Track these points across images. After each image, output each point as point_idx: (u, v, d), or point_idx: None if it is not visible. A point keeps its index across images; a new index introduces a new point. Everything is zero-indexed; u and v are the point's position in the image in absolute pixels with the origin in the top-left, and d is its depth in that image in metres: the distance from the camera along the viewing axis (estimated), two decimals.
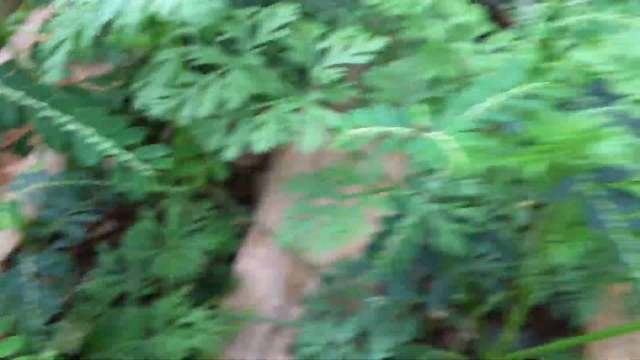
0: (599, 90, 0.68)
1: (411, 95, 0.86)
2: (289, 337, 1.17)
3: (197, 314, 0.97)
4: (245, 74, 0.74)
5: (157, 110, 0.74)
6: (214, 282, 1.28)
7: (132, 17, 0.67)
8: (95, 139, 0.72)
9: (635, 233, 0.61)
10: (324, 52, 0.80)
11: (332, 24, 1.06)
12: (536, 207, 0.72)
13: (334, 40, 0.80)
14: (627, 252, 0.62)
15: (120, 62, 1.10)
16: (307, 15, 1.11)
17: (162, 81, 0.75)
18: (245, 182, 1.44)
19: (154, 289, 1.10)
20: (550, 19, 0.61)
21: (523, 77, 0.62)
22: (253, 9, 0.82)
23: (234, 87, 0.72)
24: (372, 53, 0.79)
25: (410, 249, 0.70)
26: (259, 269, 1.25)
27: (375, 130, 0.63)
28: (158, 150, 0.74)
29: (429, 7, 0.83)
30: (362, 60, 0.79)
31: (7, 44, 1.12)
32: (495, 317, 1.25)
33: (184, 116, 0.73)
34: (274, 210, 1.28)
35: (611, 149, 0.51)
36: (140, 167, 0.73)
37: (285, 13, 0.79)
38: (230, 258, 1.33)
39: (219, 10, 0.62)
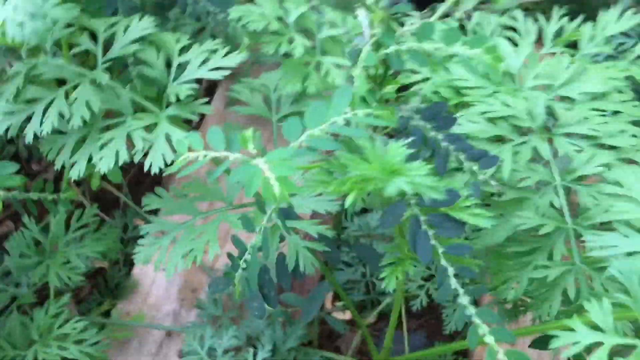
0: (435, 114, 0.68)
1: (276, 110, 0.85)
2: (182, 342, 1.17)
3: (73, 325, 0.96)
4: (94, 90, 0.73)
5: (0, 126, 0.73)
6: (112, 285, 1.27)
7: None
8: None
9: (453, 258, 0.62)
10: (182, 66, 0.79)
11: (197, 37, 1.05)
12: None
13: (193, 54, 0.79)
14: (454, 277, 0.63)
15: (6, 64, 1.08)
16: (174, 28, 1.10)
17: (8, 95, 0.73)
18: (151, 182, 1.43)
19: (37, 297, 1.09)
20: (376, 47, 0.61)
21: (349, 103, 0.62)
22: (114, 19, 0.80)
23: (80, 103, 0.71)
24: (230, 68, 0.78)
25: (256, 268, 0.70)
26: (155, 273, 1.25)
27: (206, 154, 0.63)
28: (6, 168, 0.73)
29: (294, 22, 0.83)
30: (219, 75, 0.78)
31: None
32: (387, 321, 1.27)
33: (28, 134, 0.72)
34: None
35: (407, 185, 0.51)
36: None
37: (143, 25, 0.78)
38: (132, 261, 1.32)
39: (44, 31, 0.60)
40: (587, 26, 0.97)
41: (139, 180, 1.42)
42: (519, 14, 0.99)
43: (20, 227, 1.07)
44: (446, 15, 0.73)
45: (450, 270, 0.62)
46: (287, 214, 0.79)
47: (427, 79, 0.90)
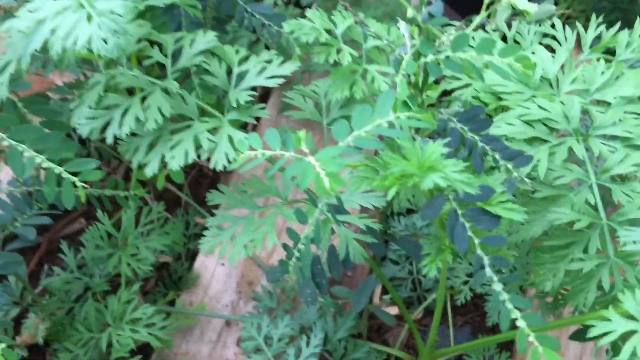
0: (472, 117, 0.74)
1: (326, 114, 0.93)
2: (241, 331, 1.25)
3: (143, 310, 1.06)
4: (164, 97, 0.82)
5: (83, 130, 0.82)
6: (175, 278, 1.36)
7: (56, 47, 0.74)
8: (28, 153, 0.80)
9: (488, 249, 0.68)
10: (241, 75, 0.87)
11: (252, 48, 1.14)
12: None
13: (251, 63, 0.87)
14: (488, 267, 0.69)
15: (80, 73, 1.19)
16: (231, 40, 1.19)
17: (90, 102, 0.83)
18: (209, 183, 1.53)
19: (110, 286, 1.19)
20: (417, 56, 0.68)
21: (392, 107, 0.68)
22: (180, 34, 0.89)
23: (153, 109, 0.80)
24: (283, 76, 0.86)
25: (309, 257, 0.78)
26: (215, 267, 1.34)
27: (264, 152, 0.71)
28: (88, 164, 0.82)
29: (341, 34, 0.90)
30: (274, 83, 0.86)
31: None
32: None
33: (108, 135, 0.81)
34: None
35: (442, 180, 0.57)
36: (70, 179, 0.81)
37: (207, 39, 0.87)
38: (193, 255, 1.42)
39: (125, 46, 0.69)
40: (624, 33, 1.01)
41: (198, 181, 1.52)
42: (557, 22, 1.04)
43: (92, 223, 1.18)
44: (482, 26, 0.79)
45: (485, 260, 0.68)
46: (337, 208, 0.87)
47: (468, 84, 0.96)
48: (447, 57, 0.67)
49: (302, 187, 0.64)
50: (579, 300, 0.82)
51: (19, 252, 1.41)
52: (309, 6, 1.45)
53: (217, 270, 1.34)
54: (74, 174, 0.83)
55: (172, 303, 1.30)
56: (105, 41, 0.70)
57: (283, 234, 1.28)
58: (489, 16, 0.74)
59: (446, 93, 1.01)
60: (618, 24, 1.02)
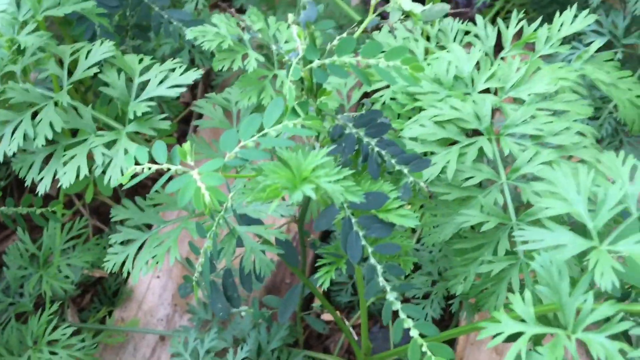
0: (368, 121, 0.72)
1: (236, 122, 0.90)
2: None
3: (62, 331, 1.02)
4: (57, 111, 0.79)
5: None
6: (110, 293, 1.33)
7: None
8: None
9: (380, 256, 0.66)
10: (143, 85, 0.85)
11: (175, 54, 1.11)
12: None
13: (153, 73, 0.85)
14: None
15: None
16: (154, 47, 1.16)
17: None
18: (148, 193, 1.50)
19: (33, 306, 1.16)
20: (304, 62, 0.65)
21: (281, 115, 0.66)
22: (79, 44, 0.86)
23: (44, 124, 0.77)
24: (185, 85, 0.84)
25: (208, 271, 0.75)
26: (150, 280, 1.31)
27: (150, 167, 0.68)
28: None
29: (247, 40, 0.88)
30: (175, 92, 0.83)
31: None
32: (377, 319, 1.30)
33: None
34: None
35: (313, 192, 0.55)
36: None
37: (103, 49, 0.84)
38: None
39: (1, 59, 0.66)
40: (543, 29, 1.00)
41: (137, 192, 1.49)
42: (479, 19, 1.02)
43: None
44: (377, 27, 0.77)
45: (379, 269, 0.66)
46: (247, 220, 0.84)
47: (389, 86, 0.94)
48: (333, 62, 0.65)
49: (182, 203, 0.62)
50: (490, 302, 0.80)
51: None
52: (240, 9, 1.43)
53: (152, 283, 1.31)
54: None
55: (105, 319, 1.27)
56: None
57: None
58: (384, 18, 0.72)
59: (369, 94, 0.99)
60: (538, 20, 1.01)
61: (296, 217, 0.93)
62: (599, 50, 1.31)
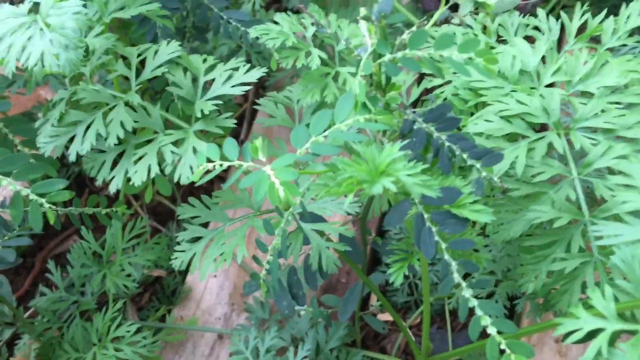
0: (438, 116, 0.71)
1: (299, 120, 0.90)
2: None
3: (126, 328, 1.04)
4: (127, 110, 0.80)
5: (46, 148, 0.81)
6: (169, 292, 1.35)
7: (10, 64, 0.73)
8: None
9: (457, 253, 0.65)
10: (207, 84, 0.85)
11: (234, 55, 1.12)
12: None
13: (218, 72, 0.85)
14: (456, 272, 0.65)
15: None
16: (212, 47, 1.17)
17: (53, 120, 0.81)
18: (204, 194, 1.51)
19: (96, 304, 1.18)
20: (376, 56, 0.65)
21: (351, 110, 0.66)
22: (145, 46, 0.88)
23: (115, 124, 0.78)
24: (251, 83, 0.84)
25: (276, 268, 0.75)
26: (207, 279, 1.32)
27: (222, 164, 0.69)
28: (55, 184, 0.81)
29: (309, 38, 0.88)
30: (240, 91, 0.84)
31: None
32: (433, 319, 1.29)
33: (71, 153, 0.80)
34: None
35: (393, 185, 0.55)
36: (37, 201, 0.79)
37: (170, 49, 0.85)
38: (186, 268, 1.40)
39: (77, 60, 0.67)
40: (609, 20, 0.97)
41: (192, 193, 1.51)
42: (541, 12, 1.01)
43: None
44: (446, 20, 0.76)
45: (453, 265, 0.65)
46: (312, 217, 0.84)
47: (449, 82, 0.93)
48: (405, 55, 0.64)
49: (257, 198, 0.62)
50: (563, 301, 0.78)
51: (14, 272, 1.41)
52: (293, 9, 1.43)
53: (209, 282, 1.32)
54: (42, 195, 0.81)
55: (165, 318, 1.29)
56: (57, 56, 0.69)
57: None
58: (454, 10, 0.71)
59: (429, 91, 0.98)
60: (604, 12, 0.98)
61: (359, 214, 0.92)
62: None
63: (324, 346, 1.13)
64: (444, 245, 0.65)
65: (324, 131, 0.66)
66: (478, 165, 0.70)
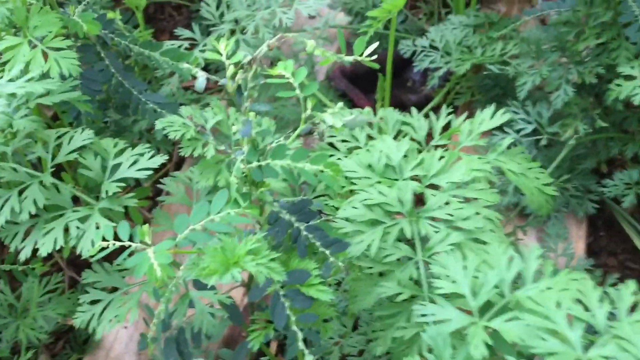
0: (300, 208, 0.87)
1: (196, 199, 1.05)
2: None
3: None
4: (40, 189, 0.93)
5: None
6: (80, 341, 1.45)
7: None
8: None
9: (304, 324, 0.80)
10: (116, 167, 1.00)
11: (134, 130, 1.27)
12: None
13: (124, 157, 1.00)
14: None
15: None
16: (132, 122, 1.31)
17: None
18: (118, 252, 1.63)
19: (10, 352, 1.28)
20: (246, 161, 0.81)
21: (225, 205, 0.81)
22: (63, 130, 1.02)
23: (29, 200, 0.92)
24: (152, 169, 0.99)
25: (162, 329, 0.89)
26: (118, 330, 1.43)
27: (114, 243, 0.82)
28: None
29: (209, 130, 1.03)
30: (143, 175, 0.98)
31: None
32: None
33: None
34: None
35: (239, 274, 0.70)
36: None
37: (83, 136, 0.99)
38: None
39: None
40: (467, 123, 1.17)
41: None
42: (414, 111, 1.20)
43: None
44: (310, 132, 0.93)
45: (299, 335, 0.80)
46: (198, 285, 0.98)
47: None
48: (267, 164, 0.80)
49: (137, 276, 0.76)
50: None
51: None
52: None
53: (120, 333, 1.43)
54: None
55: None
56: None
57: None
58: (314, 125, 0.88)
59: None
60: (465, 114, 1.18)
61: (245, 281, 1.07)
62: (526, 136, 1.49)
63: None
64: (293, 318, 0.80)
65: (201, 221, 0.81)
66: (327, 252, 0.86)
